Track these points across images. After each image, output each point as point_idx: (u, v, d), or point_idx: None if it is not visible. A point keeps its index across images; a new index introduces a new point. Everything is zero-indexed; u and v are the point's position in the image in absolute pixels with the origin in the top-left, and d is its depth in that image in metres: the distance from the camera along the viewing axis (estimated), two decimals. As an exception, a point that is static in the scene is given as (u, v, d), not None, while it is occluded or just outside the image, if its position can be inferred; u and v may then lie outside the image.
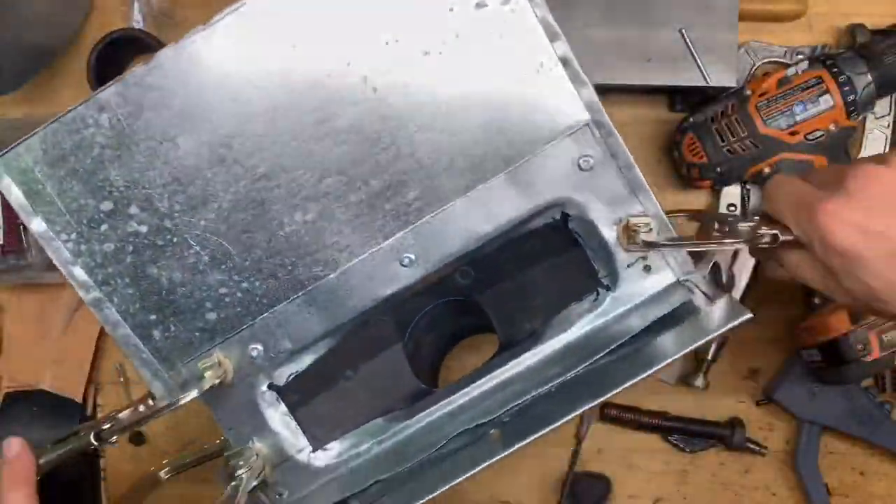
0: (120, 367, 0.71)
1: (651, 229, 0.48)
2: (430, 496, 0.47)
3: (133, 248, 0.48)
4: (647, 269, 0.50)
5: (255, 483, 0.50)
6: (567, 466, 0.72)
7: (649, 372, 0.45)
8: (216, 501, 0.49)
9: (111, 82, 0.46)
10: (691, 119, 0.66)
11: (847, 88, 0.62)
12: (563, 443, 0.72)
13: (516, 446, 0.46)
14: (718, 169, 0.65)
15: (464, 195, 0.48)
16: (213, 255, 0.48)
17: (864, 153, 0.68)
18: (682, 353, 0.45)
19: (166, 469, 0.56)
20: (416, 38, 0.45)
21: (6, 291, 0.71)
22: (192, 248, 0.48)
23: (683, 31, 0.63)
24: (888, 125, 0.68)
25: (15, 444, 0.48)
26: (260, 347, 0.50)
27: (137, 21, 0.70)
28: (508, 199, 0.48)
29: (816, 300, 0.67)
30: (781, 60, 0.69)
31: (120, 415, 0.49)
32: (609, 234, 0.49)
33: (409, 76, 0.46)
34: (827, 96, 0.62)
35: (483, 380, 0.52)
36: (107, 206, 0.47)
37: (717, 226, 0.47)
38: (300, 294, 0.49)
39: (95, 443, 0.49)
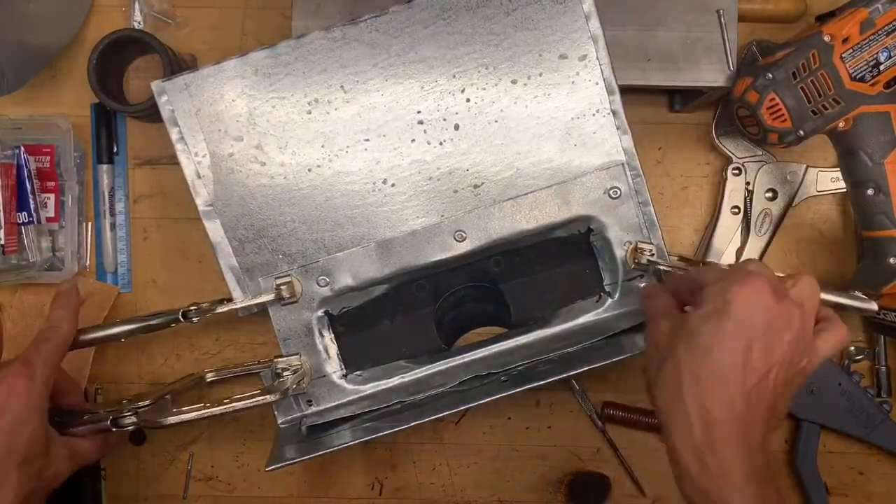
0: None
1: (653, 254, 0.60)
2: (444, 414, 0.56)
3: (248, 177, 0.59)
4: (642, 286, 0.62)
5: (293, 385, 0.60)
6: (567, 466, 0.72)
7: (624, 356, 0.57)
8: (263, 388, 0.59)
9: (262, 47, 0.57)
10: (769, 74, 0.58)
11: None
12: (563, 443, 0.72)
13: (523, 387, 0.55)
14: (801, 132, 0.59)
15: (517, 197, 0.60)
16: (311, 199, 0.59)
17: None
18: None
19: (211, 371, 0.66)
20: (508, 69, 0.58)
21: (6, 291, 0.71)
22: (298, 190, 0.59)
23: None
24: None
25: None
26: (327, 279, 0.61)
27: (137, 21, 0.70)
28: (549, 207, 0.60)
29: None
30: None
31: (203, 304, 0.61)
32: (619, 252, 0.61)
33: (497, 96, 0.58)
34: None
35: (495, 345, 0.63)
36: (237, 136, 0.58)
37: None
38: (371, 243, 0.60)
39: (182, 319, 0.60)
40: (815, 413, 0.69)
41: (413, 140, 0.59)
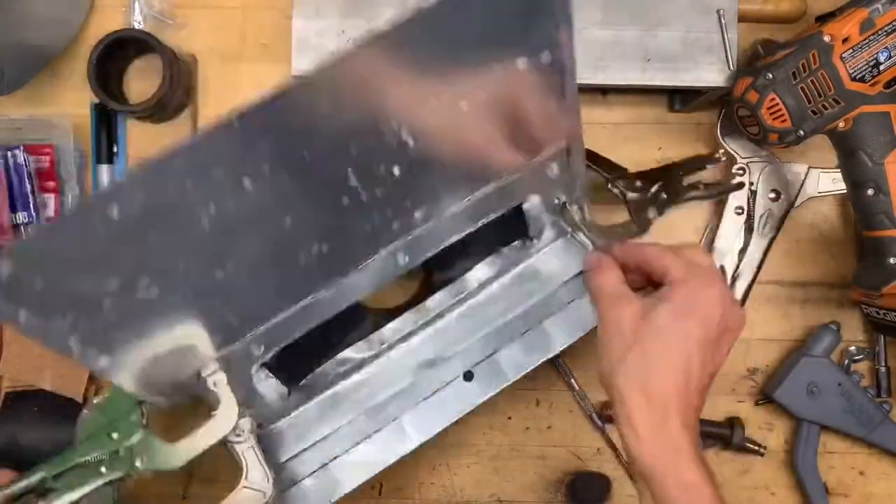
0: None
1: (578, 213, 0.58)
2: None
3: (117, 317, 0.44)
4: (561, 232, 0.61)
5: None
6: (567, 466, 0.72)
7: (581, 335, 0.61)
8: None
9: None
10: (769, 74, 0.59)
11: None
12: (563, 443, 0.72)
13: (490, 394, 0.60)
14: (800, 132, 0.59)
15: (458, 203, 0.53)
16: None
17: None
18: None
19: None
20: (453, 95, 0.45)
21: (6, 291, 0.71)
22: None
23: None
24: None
25: None
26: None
27: (137, 21, 0.70)
28: (491, 204, 0.55)
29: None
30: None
31: None
32: (547, 209, 0.59)
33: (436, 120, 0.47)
34: None
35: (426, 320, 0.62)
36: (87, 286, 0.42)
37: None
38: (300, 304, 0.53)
39: None
40: (815, 413, 0.69)
41: (340, 206, 0.48)
